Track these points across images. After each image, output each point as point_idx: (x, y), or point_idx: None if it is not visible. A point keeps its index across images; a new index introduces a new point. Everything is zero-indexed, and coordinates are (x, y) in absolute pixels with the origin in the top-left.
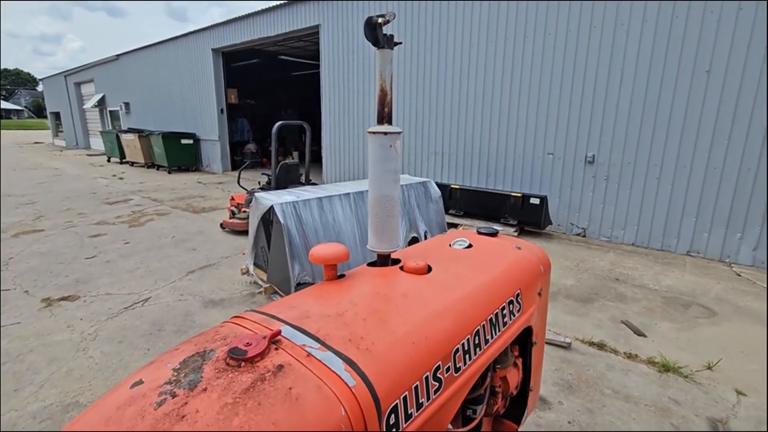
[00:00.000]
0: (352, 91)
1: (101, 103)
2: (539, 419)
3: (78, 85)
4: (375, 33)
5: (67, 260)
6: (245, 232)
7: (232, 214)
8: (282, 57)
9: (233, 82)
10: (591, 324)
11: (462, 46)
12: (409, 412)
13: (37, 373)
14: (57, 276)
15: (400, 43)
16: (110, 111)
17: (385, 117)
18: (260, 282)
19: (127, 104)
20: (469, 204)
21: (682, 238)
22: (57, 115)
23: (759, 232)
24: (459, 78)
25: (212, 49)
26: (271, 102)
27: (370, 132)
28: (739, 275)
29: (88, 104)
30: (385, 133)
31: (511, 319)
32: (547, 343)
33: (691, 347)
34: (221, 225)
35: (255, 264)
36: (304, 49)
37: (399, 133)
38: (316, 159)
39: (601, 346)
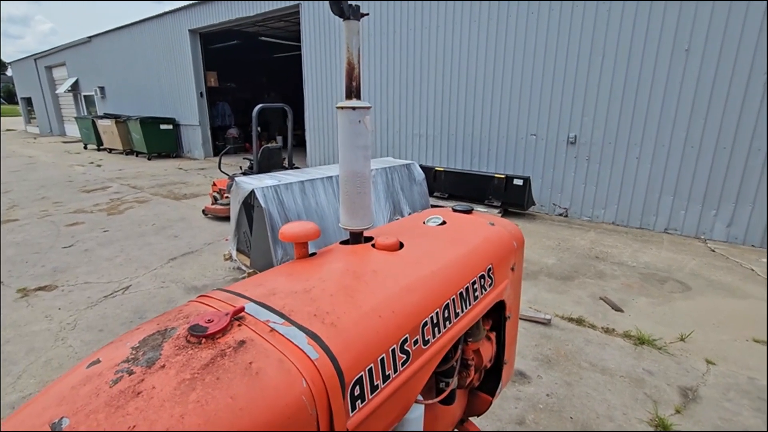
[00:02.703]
0: (335, 72)
1: (75, 88)
2: (519, 392)
3: (49, 68)
4: (339, 4)
5: (44, 250)
6: (228, 218)
7: (214, 200)
8: (262, 38)
9: (212, 64)
10: (571, 301)
11: (445, 27)
12: (375, 383)
13: (15, 364)
14: (33, 266)
15: (367, 14)
16: (85, 96)
17: (353, 91)
18: (243, 267)
19: (102, 88)
20: (454, 186)
21: (660, 216)
22: (29, 101)
23: (733, 208)
24: (442, 60)
25: (189, 30)
26: (253, 85)
27: (338, 107)
28: (714, 251)
29: (61, 89)
30: (354, 108)
31: (482, 294)
32: (527, 320)
33: (665, 321)
34: (203, 211)
35: (238, 249)
36: (285, 29)
37: (368, 107)
38: (301, 143)
39: (579, 321)
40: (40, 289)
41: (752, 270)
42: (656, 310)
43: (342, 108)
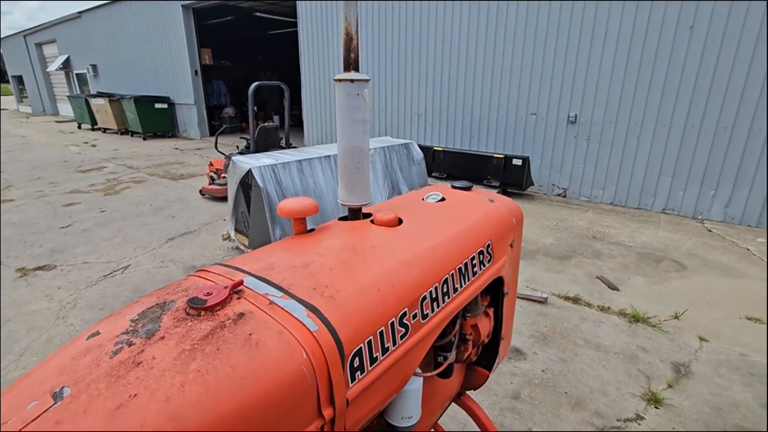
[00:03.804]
0: (333, 49)
1: (66, 66)
2: (515, 368)
3: (39, 45)
4: None
5: (41, 230)
6: (225, 198)
7: (212, 180)
8: (258, 14)
9: (207, 41)
10: (568, 280)
11: (444, 4)
12: (375, 355)
13: (17, 342)
14: (31, 246)
15: None
16: (77, 74)
17: (351, 63)
18: (242, 247)
19: (94, 66)
20: (452, 166)
21: (659, 196)
22: (20, 79)
23: (731, 189)
24: (441, 37)
25: (182, 6)
26: (249, 63)
27: (336, 80)
28: (710, 231)
29: (52, 67)
30: (352, 81)
31: (481, 269)
32: (524, 298)
33: (660, 299)
34: (200, 191)
35: (236, 229)
36: (281, 4)
37: (367, 80)
38: (298, 123)
39: (576, 300)
40: (39, 268)
41: (748, 250)
42: (652, 288)
43: (340, 80)
